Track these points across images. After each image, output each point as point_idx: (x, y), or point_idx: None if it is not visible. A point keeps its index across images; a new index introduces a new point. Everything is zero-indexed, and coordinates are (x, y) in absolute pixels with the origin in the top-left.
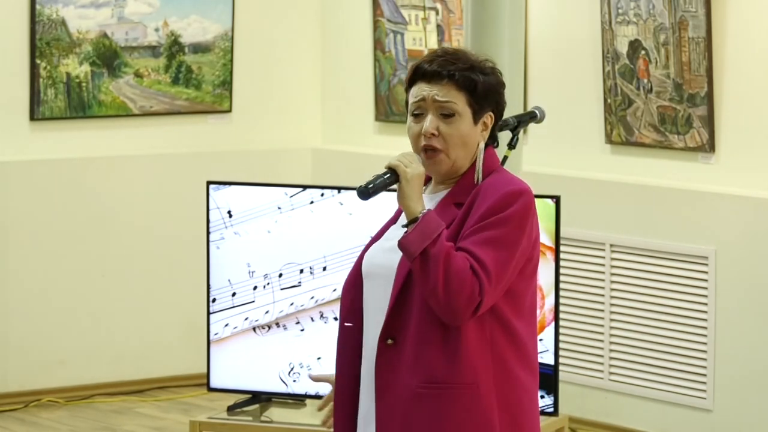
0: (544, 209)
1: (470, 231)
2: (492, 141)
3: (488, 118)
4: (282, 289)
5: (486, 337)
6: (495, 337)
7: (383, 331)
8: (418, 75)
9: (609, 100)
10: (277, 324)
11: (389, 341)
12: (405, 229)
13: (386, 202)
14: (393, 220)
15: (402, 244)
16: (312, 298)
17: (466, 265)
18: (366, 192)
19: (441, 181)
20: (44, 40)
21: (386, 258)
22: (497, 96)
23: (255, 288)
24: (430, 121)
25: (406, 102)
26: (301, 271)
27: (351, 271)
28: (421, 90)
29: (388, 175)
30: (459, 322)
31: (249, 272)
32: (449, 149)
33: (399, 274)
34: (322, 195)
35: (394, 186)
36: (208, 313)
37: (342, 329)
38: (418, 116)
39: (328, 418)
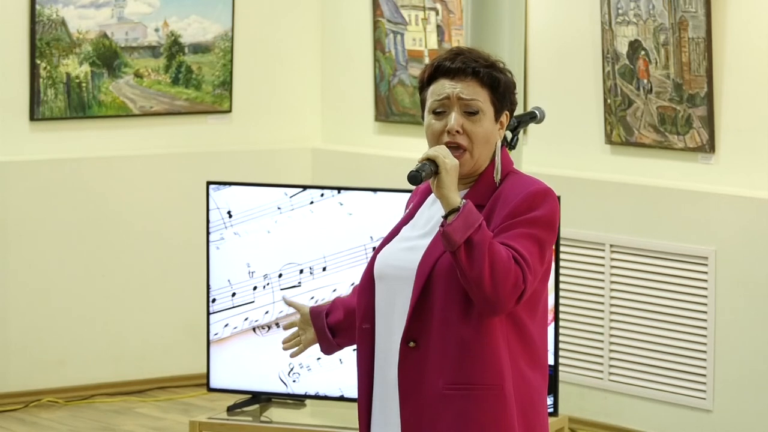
0: None
1: (499, 229)
2: (503, 141)
3: (505, 117)
4: (282, 289)
5: (504, 337)
6: (509, 338)
7: (405, 333)
8: (440, 72)
9: (609, 101)
10: (277, 324)
11: (411, 344)
12: (443, 220)
13: (386, 203)
14: (405, 221)
15: (446, 233)
16: (312, 298)
17: (508, 254)
18: (418, 177)
19: (459, 180)
20: (44, 40)
21: (404, 258)
22: (512, 95)
23: (255, 288)
24: (455, 119)
25: (422, 101)
26: (301, 271)
27: (364, 273)
28: (444, 87)
29: (428, 164)
30: (501, 311)
31: (249, 272)
32: (473, 147)
33: (420, 274)
34: (322, 195)
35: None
36: (208, 313)
37: (359, 331)
38: (440, 114)
39: (288, 340)
